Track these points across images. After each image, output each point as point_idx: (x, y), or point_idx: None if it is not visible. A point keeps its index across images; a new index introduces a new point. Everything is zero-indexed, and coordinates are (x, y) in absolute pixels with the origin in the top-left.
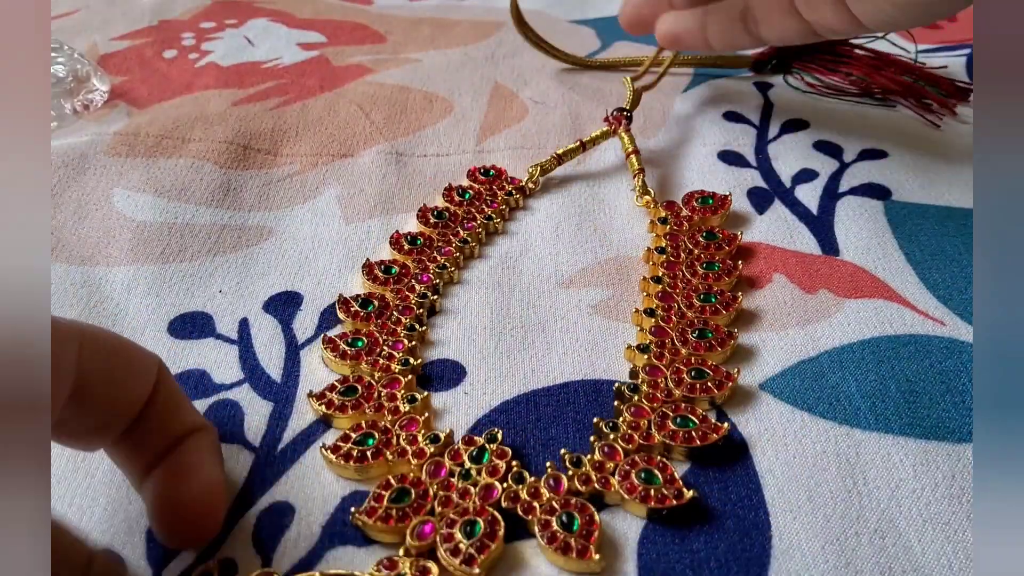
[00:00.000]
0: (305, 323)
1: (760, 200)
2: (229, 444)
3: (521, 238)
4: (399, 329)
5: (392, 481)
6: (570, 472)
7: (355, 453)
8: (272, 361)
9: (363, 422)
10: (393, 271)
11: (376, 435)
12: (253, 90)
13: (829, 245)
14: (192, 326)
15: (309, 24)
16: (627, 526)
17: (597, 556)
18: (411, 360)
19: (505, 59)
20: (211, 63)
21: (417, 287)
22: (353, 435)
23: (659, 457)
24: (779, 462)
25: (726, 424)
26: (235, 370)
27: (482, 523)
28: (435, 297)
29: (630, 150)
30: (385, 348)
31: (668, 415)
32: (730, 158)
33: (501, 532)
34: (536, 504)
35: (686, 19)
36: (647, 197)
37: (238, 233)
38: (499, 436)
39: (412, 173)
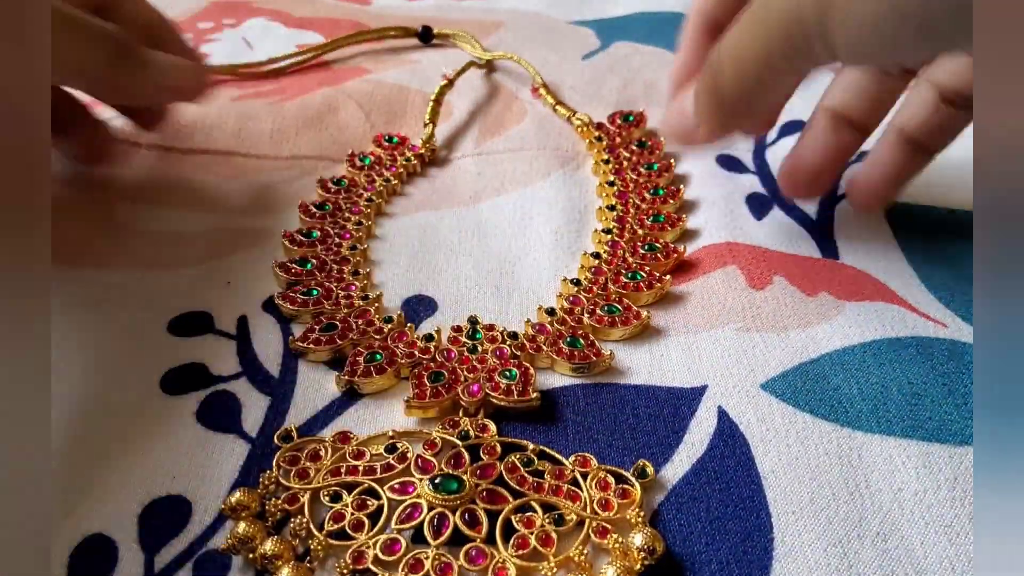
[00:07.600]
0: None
1: (759, 205)
2: (226, 434)
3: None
4: (346, 269)
5: (421, 371)
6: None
7: (324, 339)
8: (270, 358)
9: (322, 315)
10: (327, 207)
11: (338, 324)
12: (252, 89)
13: (829, 248)
14: (191, 324)
15: (308, 23)
16: None
17: (608, 351)
18: (369, 295)
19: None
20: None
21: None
22: (317, 326)
23: (584, 331)
24: (781, 464)
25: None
26: (233, 363)
27: (515, 368)
28: (370, 224)
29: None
30: (340, 291)
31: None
32: (728, 163)
33: (532, 369)
34: (540, 344)
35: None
36: (579, 120)
37: (237, 236)
38: (479, 318)
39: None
